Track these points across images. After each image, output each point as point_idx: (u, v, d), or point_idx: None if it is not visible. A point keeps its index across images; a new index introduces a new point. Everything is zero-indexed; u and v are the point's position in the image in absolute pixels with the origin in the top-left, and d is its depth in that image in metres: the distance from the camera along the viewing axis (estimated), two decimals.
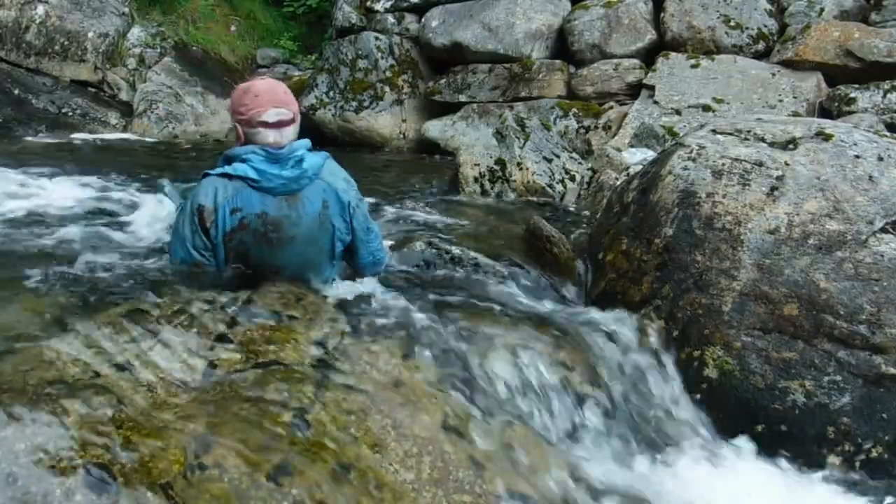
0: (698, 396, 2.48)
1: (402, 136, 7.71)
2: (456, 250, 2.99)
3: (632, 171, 4.47)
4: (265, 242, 2.40)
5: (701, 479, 2.15)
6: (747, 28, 6.55)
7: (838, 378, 2.33)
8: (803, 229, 2.52)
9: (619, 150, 5.52)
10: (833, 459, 2.29)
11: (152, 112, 8.17)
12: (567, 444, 2.15)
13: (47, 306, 2.07)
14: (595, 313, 2.79)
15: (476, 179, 5.01)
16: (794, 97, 5.96)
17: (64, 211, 3.71)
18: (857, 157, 2.65)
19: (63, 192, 4.13)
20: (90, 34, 8.30)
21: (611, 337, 2.62)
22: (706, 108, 6.09)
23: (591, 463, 2.12)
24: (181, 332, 1.96)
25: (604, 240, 3.01)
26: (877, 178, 2.58)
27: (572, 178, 5.08)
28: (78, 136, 7.52)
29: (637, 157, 5.19)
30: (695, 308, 2.55)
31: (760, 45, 6.51)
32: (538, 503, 1.82)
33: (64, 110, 7.95)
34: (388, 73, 7.75)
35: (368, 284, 2.57)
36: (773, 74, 6.16)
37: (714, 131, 2.96)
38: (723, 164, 2.74)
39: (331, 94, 7.84)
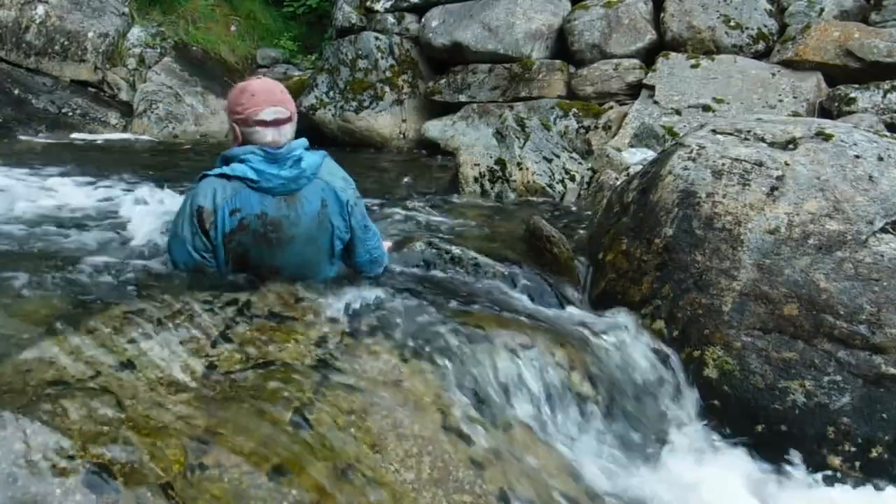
0: (698, 396, 2.48)
1: (402, 136, 7.71)
2: (456, 250, 2.99)
3: (632, 171, 4.48)
4: (265, 243, 2.40)
5: (700, 479, 2.15)
6: (747, 28, 6.55)
7: (838, 378, 2.33)
8: (803, 229, 2.52)
9: (619, 150, 5.52)
10: (833, 459, 2.29)
11: (152, 112, 8.17)
12: (567, 444, 2.15)
13: (47, 306, 2.07)
14: (595, 313, 2.79)
15: (476, 179, 5.01)
16: (794, 97, 5.96)
17: (64, 211, 3.72)
18: (857, 157, 2.65)
19: (63, 192, 4.13)
20: (90, 34, 8.31)
21: (611, 337, 2.62)
22: (706, 108, 6.10)
23: (591, 463, 2.12)
24: (181, 332, 1.96)
25: (604, 240, 3.01)
26: (877, 178, 2.58)
27: (572, 178, 5.08)
28: (78, 136, 7.53)
29: (637, 157, 5.19)
30: (695, 308, 2.55)
31: (760, 45, 6.51)
32: (538, 503, 1.83)
33: (64, 110, 7.95)
34: (388, 73, 7.76)
35: (368, 284, 2.56)
36: (773, 74, 6.16)
37: (714, 131, 2.96)
38: (723, 164, 2.74)
39: (331, 94, 7.85)
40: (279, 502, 1.47)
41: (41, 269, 2.45)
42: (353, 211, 2.53)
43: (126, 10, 8.79)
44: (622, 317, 2.70)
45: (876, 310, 2.35)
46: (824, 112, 5.86)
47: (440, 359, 2.15)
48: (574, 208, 4.67)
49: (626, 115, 6.40)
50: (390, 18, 7.96)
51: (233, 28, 9.42)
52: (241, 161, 2.36)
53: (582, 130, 6.58)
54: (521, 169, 4.94)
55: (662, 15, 6.83)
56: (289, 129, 2.42)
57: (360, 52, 7.85)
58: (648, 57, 6.80)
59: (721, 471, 2.22)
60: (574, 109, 6.73)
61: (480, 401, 2.07)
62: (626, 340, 2.63)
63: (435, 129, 7.35)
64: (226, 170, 2.37)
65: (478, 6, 7.38)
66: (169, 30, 8.89)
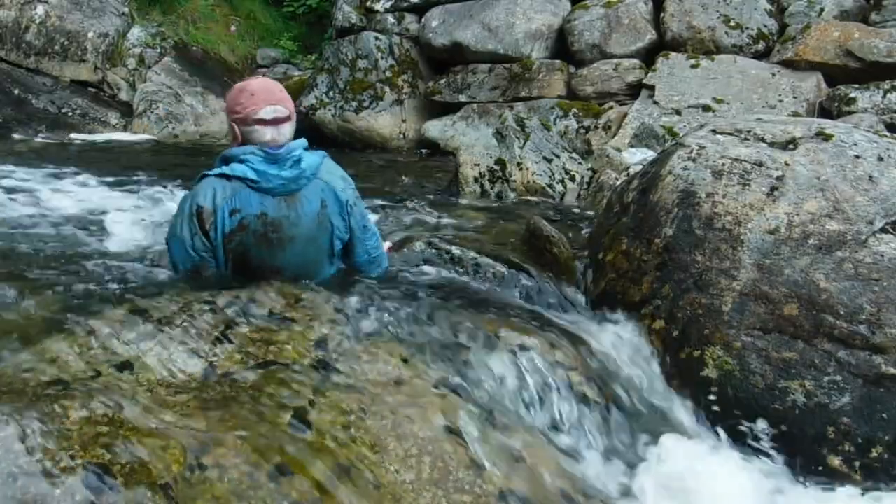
0: (698, 396, 2.48)
1: (402, 136, 7.71)
2: (456, 250, 2.99)
3: (632, 171, 4.48)
4: (265, 243, 2.40)
5: (700, 479, 2.15)
6: (747, 28, 6.55)
7: (838, 378, 2.33)
8: (803, 229, 2.52)
9: (619, 150, 5.53)
10: (833, 459, 2.29)
11: (152, 112, 8.17)
12: (566, 444, 2.15)
13: (47, 306, 2.07)
14: (595, 313, 2.79)
15: (476, 179, 5.02)
16: (794, 97, 5.96)
17: (63, 211, 3.72)
18: (857, 157, 2.65)
19: (63, 192, 4.13)
20: (90, 34, 8.31)
21: (611, 337, 2.62)
22: (706, 108, 6.10)
23: (590, 463, 2.12)
24: (181, 332, 1.96)
25: (604, 240, 3.01)
26: (877, 178, 2.58)
27: (572, 178, 5.09)
28: (78, 136, 7.53)
29: (637, 157, 5.19)
30: (695, 308, 2.55)
31: (760, 45, 6.51)
32: (537, 503, 1.83)
33: (64, 110, 7.95)
34: (388, 73, 7.76)
35: (368, 285, 2.56)
36: (773, 74, 6.16)
37: (714, 131, 2.96)
38: (723, 164, 2.74)
39: (331, 94, 7.85)
40: (279, 502, 1.48)
41: (41, 269, 2.45)
42: (353, 211, 2.53)
43: (126, 10, 8.79)
44: (622, 317, 2.70)
45: (876, 310, 2.35)
46: (824, 112, 5.86)
47: (440, 359, 2.15)
48: (574, 208, 4.67)
49: (626, 115, 6.40)
50: (390, 18, 7.96)
51: (233, 28, 9.42)
52: (241, 161, 2.36)
53: (582, 130, 6.58)
54: (521, 169, 4.94)
55: (662, 15, 6.83)
56: (288, 128, 2.41)
57: (360, 52, 7.85)
58: (648, 57, 6.80)
59: (720, 471, 2.22)
60: (574, 109, 6.73)
61: (480, 401, 2.07)
62: (626, 340, 2.63)
63: (435, 129, 7.35)
64: (225, 170, 2.37)
65: (478, 6, 7.38)
66: (169, 30, 8.89)
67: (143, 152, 6.93)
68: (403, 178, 5.89)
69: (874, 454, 2.26)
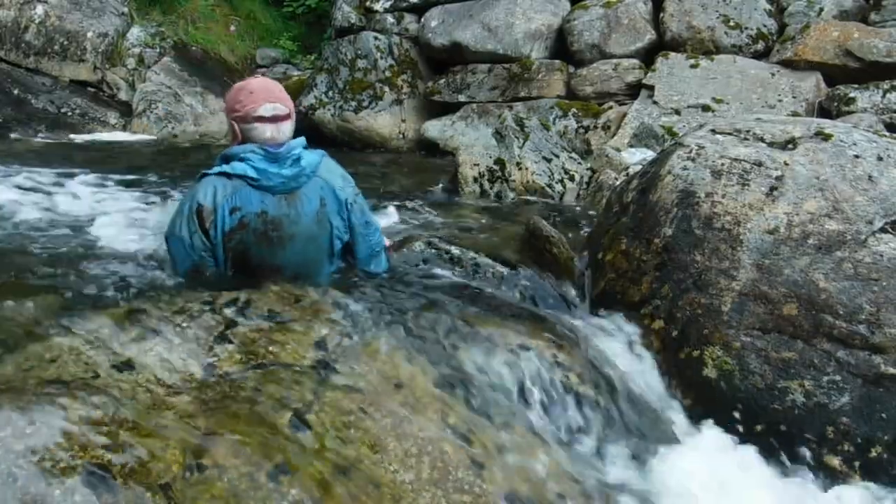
0: (698, 396, 2.48)
1: (401, 136, 7.71)
2: (455, 250, 2.99)
3: (631, 170, 4.48)
4: (265, 242, 2.40)
5: (699, 479, 2.15)
6: (747, 28, 6.55)
7: (838, 378, 2.33)
8: (803, 229, 2.52)
9: (618, 150, 5.53)
10: (832, 459, 2.29)
11: (151, 112, 8.17)
12: (566, 444, 2.15)
13: (47, 306, 2.07)
14: (594, 313, 2.79)
15: (475, 179, 5.02)
16: (794, 97, 5.96)
17: (63, 211, 3.72)
18: (857, 156, 2.66)
19: (62, 192, 4.13)
20: (89, 34, 8.30)
21: (610, 337, 2.63)
22: (705, 108, 6.10)
23: (590, 463, 2.12)
24: (181, 332, 1.96)
25: (603, 240, 3.01)
26: (876, 178, 2.58)
27: (571, 178, 5.09)
28: (77, 136, 7.53)
29: (636, 157, 5.20)
30: (694, 308, 2.55)
31: (760, 45, 6.51)
32: (537, 503, 1.83)
33: (63, 110, 7.95)
34: (388, 73, 7.75)
35: (368, 285, 2.57)
36: (773, 74, 6.16)
37: (713, 131, 2.96)
38: (722, 164, 2.74)
39: (330, 94, 7.84)
40: (279, 502, 1.48)
41: (41, 268, 2.45)
42: (353, 208, 2.54)
43: (125, 9, 8.78)
44: (621, 317, 2.70)
45: (875, 310, 2.35)
46: (823, 112, 5.86)
47: (439, 359, 2.15)
48: (574, 208, 4.68)
49: (625, 115, 6.40)
50: (389, 18, 7.96)
51: (232, 28, 9.42)
52: (242, 159, 2.37)
53: (581, 130, 6.58)
54: (520, 169, 4.95)
55: (662, 15, 6.83)
56: (287, 127, 2.43)
57: (359, 52, 7.85)
58: (648, 57, 6.79)
59: (720, 471, 2.22)
60: (573, 109, 6.73)
61: (480, 401, 2.07)
62: (626, 340, 2.63)
63: (434, 129, 7.35)
64: (226, 168, 2.38)
65: (477, 6, 7.38)
66: (168, 30, 8.89)
67: (142, 152, 6.92)
68: (403, 178, 5.89)
69: (874, 454, 2.26)
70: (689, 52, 6.59)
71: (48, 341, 1.80)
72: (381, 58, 7.78)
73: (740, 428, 2.38)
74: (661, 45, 6.78)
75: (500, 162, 4.99)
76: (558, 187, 4.98)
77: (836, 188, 2.57)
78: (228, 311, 2.10)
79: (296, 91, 7.72)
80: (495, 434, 1.97)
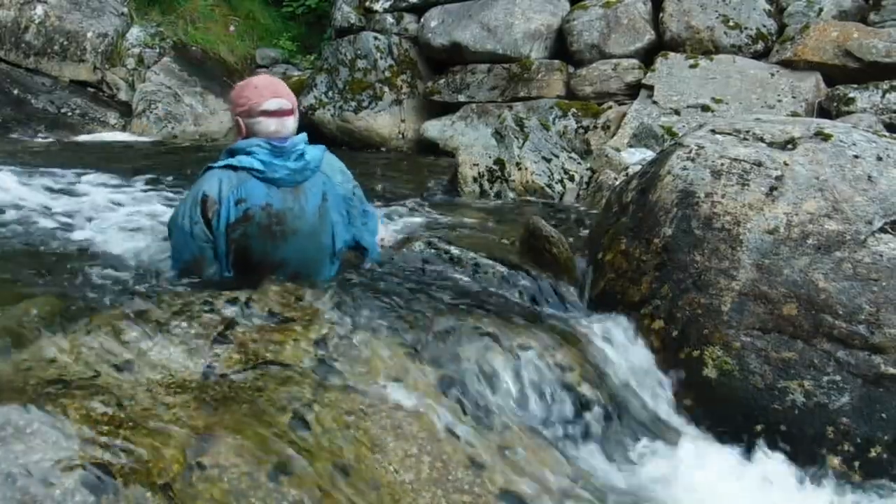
0: (697, 396, 2.48)
1: (401, 136, 7.71)
2: (455, 250, 2.99)
3: (631, 171, 4.48)
4: (269, 236, 2.42)
5: (699, 479, 2.15)
6: (746, 28, 6.55)
7: (837, 378, 2.33)
8: (802, 229, 2.53)
9: (617, 150, 5.53)
10: (832, 459, 2.29)
11: (151, 112, 8.17)
12: (566, 444, 2.15)
13: (47, 306, 2.07)
14: (594, 313, 2.79)
15: (475, 179, 5.02)
16: (793, 97, 5.96)
17: (63, 211, 3.71)
18: (856, 157, 2.66)
19: (62, 192, 4.13)
20: (89, 34, 8.30)
21: (610, 337, 2.62)
22: (705, 108, 6.10)
23: (590, 463, 2.12)
24: (181, 332, 1.96)
25: (603, 240, 3.01)
26: (876, 178, 2.58)
27: (571, 178, 5.09)
28: (77, 136, 7.52)
29: (636, 157, 5.19)
30: (694, 308, 2.55)
31: (759, 46, 6.52)
32: (536, 503, 1.83)
33: (63, 110, 7.94)
34: (387, 74, 7.75)
35: (368, 284, 2.57)
36: (772, 74, 6.16)
37: (713, 131, 2.96)
38: (722, 164, 2.74)
39: (330, 94, 7.84)
40: (279, 502, 1.48)
41: (40, 269, 2.45)
42: (352, 200, 2.61)
43: (125, 10, 8.78)
44: (621, 317, 2.70)
45: (875, 310, 2.35)
46: (823, 112, 5.87)
47: (439, 359, 2.15)
48: (573, 208, 4.68)
49: (624, 115, 6.40)
50: (389, 18, 7.96)
51: (232, 28, 9.42)
52: (248, 153, 2.40)
53: (581, 130, 6.58)
54: (520, 169, 4.95)
55: (661, 15, 6.83)
56: (291, 122, 2.48)
57: (359, 53, 7.85)
58: (647, 57, 6.80)
59: (720, 471, 2.22)
60: (573, 109, 6.73)
61: (480, 401, 2.07)
62: (626, 340, 2.63)
63: (434, 129, 7.35)
64: (232, 161, 2.42)
65: (476, 6, 7.38)
66: (168, 30, 8.89)
67: (142, 152, 6.92)
68: (402, 178, 5.89)
69: (873, 454, 2.26)
70: (688, 52, 6.59)
71: (48, 341, 1.80)
72: (381, 58, 7.78)
73: (740, 428, 2.38)
74: (660, 45, 6.79)
75: (499, 162, 5.00)
76: (558, 187, 4.98)
77: (835, 188, 2.58)
78: (228, 311, 2.10)
79: (295, 91, 7.62)
80: (495, 434, 1.97)
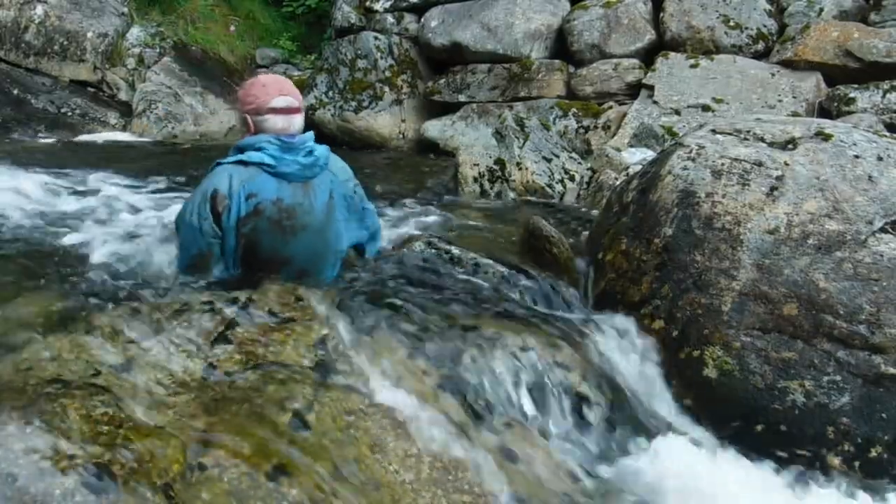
0: (698, 396, 2.48)
1: (401, 136, 7.71)
2: (455, 250, 2.99)
3: (631, 170, 4.48)
4: (278, 231, 2.44)
5: (700, 479, 2.15)
6: (746, 28, 6.55)
7: (838, 378, 2.33)
8: (803, 229, 2.52)
9: (618, 149, 5.53)
10: (832, 459, 2.29)
11: (151, 112, 8.16)
12: (565, 444, 2.15)
13: (47, 306, 2.07)
14: (595, 313, 2.79)
15: (475, 179, 5.02)
16: (794, 97, 5.96)
17: (63, 211, 3.71)
18: (857, 157, 2.66)
19: (62, 192, 4.13)
20: (89, 34, 8.29)
21: (610, 337, 2.62)
22: (705, 108, 6.10)
23: (590, 463, 2.12)
24: (181, 332, 1.96)
25: (603, 240, 3.01)
26: (876, 178, 2.58)
27: (572, 178, 5.09)
28: (77, 137, 7.52)
29: (636, 157, 5.19)
30: (694, 308, 2.55)
31: (760, 46, 6.51)
32: (537, 503, 1.83)
33: (63, 110, 7.94)
34: (388, 73, 7.75)
35: (368, 284, 2.58)
36: (773, 74, 6.16)
37: (713, 131, 2.96)
38: (722, 164, 2.74)
39: (330, 94, 7.84)
40: (279, 502, 1.48)
41: (41, 268, 2.45)
42: (353, 198, 2.64)
43: (125, 10, 8.78)
44: (621, 317, 2.70)
45: (875, 310, 2.35)
46: (824, 112, 5.86)
47: (439, 359, 2.15)
48: (574, 208, 4.67)
49: (625, 114, 6.39)
50: (389, 18, 7.95)
51: (232, 28, 9.41)
52: (258, 149, 2.42)
53: (581, 130, 6.58)
54: (520, 169, 4.95)
55: (662, 15, 6.83)
56: (298, 120, 2.52)
57: (359, 52, 7.85)
58: (648, 57, 6.79)
59: (720, 471, 2.22)
60: (573, 109, 6.72)
61: (480, 401, 2.07)
62: (626, 340, 2.63)
63: (434, 129, 7.34)
64: (242, 157, 2.44)
65: (477, 6, 7.38)
66: (168, 30, 8.88)
67: (142, 152, 6.92)
68: (403, 178, 5.88)
69: (874, 454, 2.26)
70: (688, 52, 6.59)
71: (48, 341, 1.80)
72: (381, 58, 7.78)
73: (740, 428, 2.38)
74: (660, 45, 6.78)
75: (500, 162, 5.00)
76: (558, 187, 4.98)
77: (836, 188, 2.57)
78: (228, 311, 2.10)
79: None
80: (495, 434, 1.97)
